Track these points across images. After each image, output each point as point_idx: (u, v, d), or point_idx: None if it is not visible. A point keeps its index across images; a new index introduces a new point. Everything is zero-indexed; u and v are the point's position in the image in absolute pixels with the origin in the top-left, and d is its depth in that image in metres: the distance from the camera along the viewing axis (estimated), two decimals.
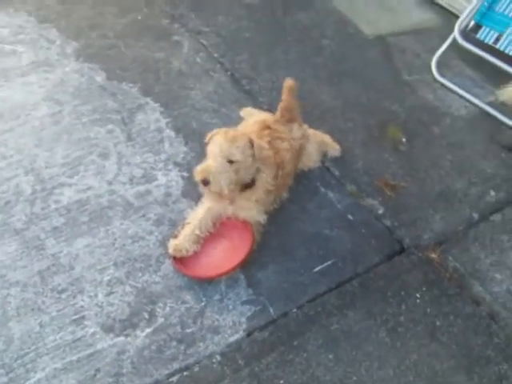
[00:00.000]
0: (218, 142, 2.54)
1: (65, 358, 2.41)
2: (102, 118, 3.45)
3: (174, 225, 2.89)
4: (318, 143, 3.24)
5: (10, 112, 3.46)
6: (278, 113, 3.05)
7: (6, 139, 3.30)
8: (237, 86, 3.79)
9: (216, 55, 4.04)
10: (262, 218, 2.80)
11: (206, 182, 2.51)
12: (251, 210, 2.76)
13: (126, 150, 3.26)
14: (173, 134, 3.38)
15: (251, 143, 2.60)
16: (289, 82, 3.03)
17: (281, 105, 3.05)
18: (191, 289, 2.65)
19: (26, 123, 3.39)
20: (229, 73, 3.91)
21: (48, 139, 3.30)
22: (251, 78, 3.86)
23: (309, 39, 4.34)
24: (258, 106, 3.61)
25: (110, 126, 3.40)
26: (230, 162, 2.54)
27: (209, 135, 2.65)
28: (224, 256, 2.73)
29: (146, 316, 2.55)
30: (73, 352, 2.43)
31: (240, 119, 3.44)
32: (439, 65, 4.09)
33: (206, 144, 2.63)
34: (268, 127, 2.93)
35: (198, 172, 2.52)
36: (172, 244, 2.72)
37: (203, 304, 2.60)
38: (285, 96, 3.03)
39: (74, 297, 2.61)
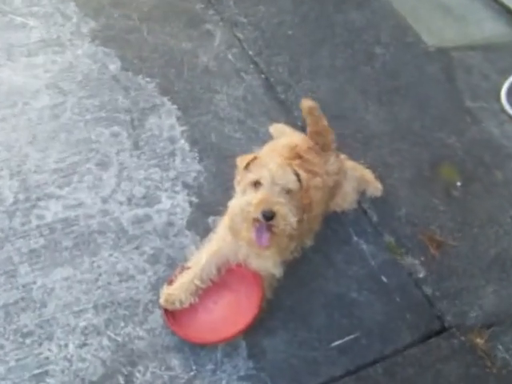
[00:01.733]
0: (269, 167, 2.04)
1: None
2: (109, 118, 2.96)
3: (172, 265, 2.42)
4: (357, 180, 2.70)
5: (6, 98, 3.01)
6: (308, 138, 2.52)
7: None
8: (270, 92, 3.27)
9: (251, 53, 3.51)
10: (278, 272, 2.31)
11: (270, 216, 1.97)
12: (267, 259, 2.26)
13: (129, 161, 2.78)
14: (187, 146, 2.88)
15: (296, 173, 2.11)
16: (307, 103, 2.49)
17: (308, 130, 2.52)
18: (180, 351, 2.19)
19: (22, 114, 2.94)
20: (263, 76, 3.38)
21: (43, 137, 2.84)
22: (288, 85, 3.33)
23: (360, 44, 3.76)
24: (291, 120, 3.08)
25: (116, 129, 2.91)
26: (288, 191, 2.04)
27: (245, 159, 2.14)
28: (225, 316, 2.25)
29: (121, 381, 2.10)
30: None
31: (268, 136, 2.93)
32: (511, 92, 3.49)
33: (242, 169, 2.14)
34: (299, 156, 2.40)
35: (257, 203, 1.98)
36: (165, 293, 2.25)
37: (192, 374, 2.14)
38: (309, 120, 2.50)
39: (41, 344, 2.17)
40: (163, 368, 2.13)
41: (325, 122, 2.51)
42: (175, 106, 3.08)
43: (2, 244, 2.42)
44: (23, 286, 2.31)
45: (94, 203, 2.59)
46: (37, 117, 2.92)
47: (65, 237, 2.47)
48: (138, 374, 2.11)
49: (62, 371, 2.10)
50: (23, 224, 2.49)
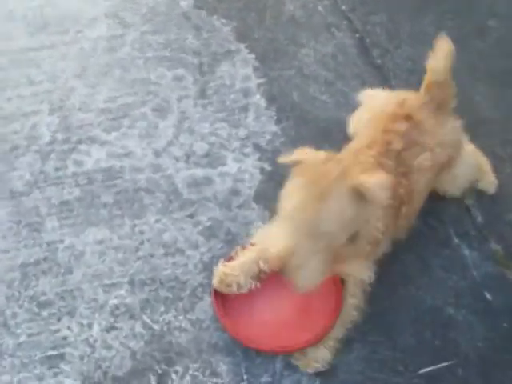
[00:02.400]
0: (297, 198, 1.44)
1: None
2: (173, 58, 2.50)
3: (232, 243, 1.95)
4: (473, 167, 2.15)
5: (59, 23, 2.61)
6: (423, 91, 1.90)
7: (43, 58, 2.44)
8: (364, 55, 2.74)
9: (344, 7, 2.98)
10: (368, 276, 1.78)
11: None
12: (353, 263, 1.75)
13: (192, 111, 2.31)
14: (263, 102, 2.40)
15: (357, 191, 1.44)
16: (444, 44, 1.85)
17: (427, 78, 1.89)
18: (230, 354, 1.72)
19: (74, 43, 2.53)
20: (357, 35, 2.85)
21: (94, 70, 2.41)
22: (385, 50, 2.80)
23: (470, 13, 3.18)
24: (387, 89, 2.55)
25: (181, 72, 2.45)
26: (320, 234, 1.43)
27: (292, 157, 1.56)
28: (291, 316, 1.78)
29: (153, 381, 1.65)
30: None
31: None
32: None
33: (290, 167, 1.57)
34: (408, 116, 1.81)
35: (280, 255, 1.43)
36: (220, 271, 1.77)
37: None
38: (436, 63, 1.86)
39: (59, 319, 1.74)
40: (207, 372, 1.68)
41: (449, 73, 1.91)
42: (253, 55, 2.59)
43: (29, 189, 2.00)
44: (48, 244, 1.89)
45: (144, 155, 2.14)
46: (90, 47, 2.50)
47: (105, 190, 2.03)
48: (174, 376, 1.66)
49: (81, 358, 1.67)
50: (57, 169, 2.07)
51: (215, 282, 1.77)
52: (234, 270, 1.76)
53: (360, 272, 1.74)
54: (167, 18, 2.68)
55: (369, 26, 2.92)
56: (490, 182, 2.23)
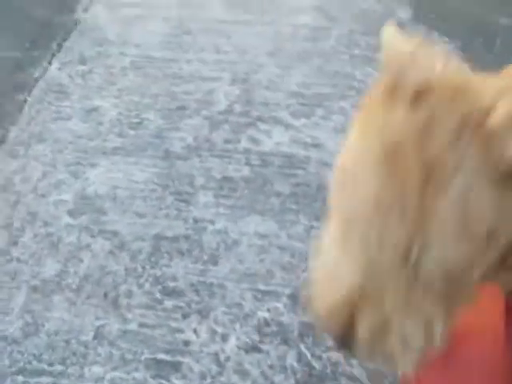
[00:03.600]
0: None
1: None
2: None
3: None
4: None
5: (259, 3, 2.28)
6: None
7: (235, 31, 2.14)
8: None
9: None
10: None
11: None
12: None
13: None
14: None
15: None
16: None
17: None
18: None
19: (271, 24, 2.20)
20: None
21: (290, 53, 2.02)
22: None
23: None
24: None
25: None
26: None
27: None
28: None
29: None
30: None
31: None
32: None
33: None
34: None
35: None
36: None
37: None
38: None
39: (186, 316, 1.29)
40: None
41: None
42: None
43: (188, 154, 1.59)
44: (194, 221, 1.43)
45: (337, 151, 1.65)
46: (289, 33, 2.13)
47: (281, 178, 1.56)
48: None
49: (203, 376, 1.15)
50: (227, 141, 1.64)
51: None
52: None
53: None
54: (380, 22, 2.23)
55: None
56: None
